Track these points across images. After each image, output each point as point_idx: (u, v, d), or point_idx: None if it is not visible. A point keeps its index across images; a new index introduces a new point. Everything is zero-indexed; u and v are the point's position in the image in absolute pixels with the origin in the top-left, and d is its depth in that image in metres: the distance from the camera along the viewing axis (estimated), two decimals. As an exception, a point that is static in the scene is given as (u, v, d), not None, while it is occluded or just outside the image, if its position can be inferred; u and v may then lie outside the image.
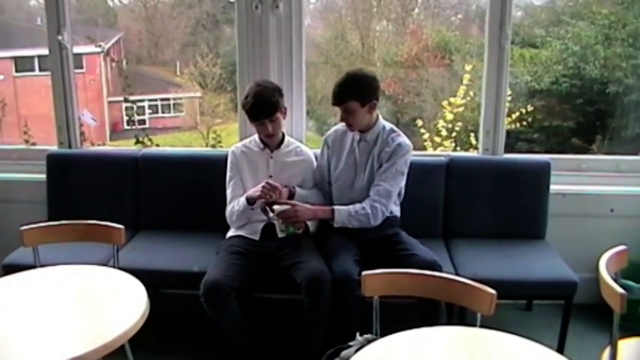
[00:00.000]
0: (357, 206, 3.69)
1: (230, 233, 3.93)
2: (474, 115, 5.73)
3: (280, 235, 3.67)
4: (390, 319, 2.71)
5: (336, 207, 3.70)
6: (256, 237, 3.81)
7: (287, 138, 4.02)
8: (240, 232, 3.87)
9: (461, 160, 4.51)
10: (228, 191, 3.95)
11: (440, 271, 3.39)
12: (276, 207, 3.58)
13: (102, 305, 2.65)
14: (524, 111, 6.13)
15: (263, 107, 3.77)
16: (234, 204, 3.87)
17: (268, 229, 3.79)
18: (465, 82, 6.02)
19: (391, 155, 3.76)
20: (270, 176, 3.88)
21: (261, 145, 3.96)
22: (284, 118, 3.91)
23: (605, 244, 2.95)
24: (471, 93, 6.01)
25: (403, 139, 3.83)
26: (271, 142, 3.93)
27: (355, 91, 3.65)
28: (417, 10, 7.27)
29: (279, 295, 4.19)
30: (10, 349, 2.28)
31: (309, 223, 3.85)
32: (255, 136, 3.99)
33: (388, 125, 3.88)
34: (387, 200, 3.72)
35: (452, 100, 6.08)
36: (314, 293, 3.48)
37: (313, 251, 3.72)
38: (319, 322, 3.54)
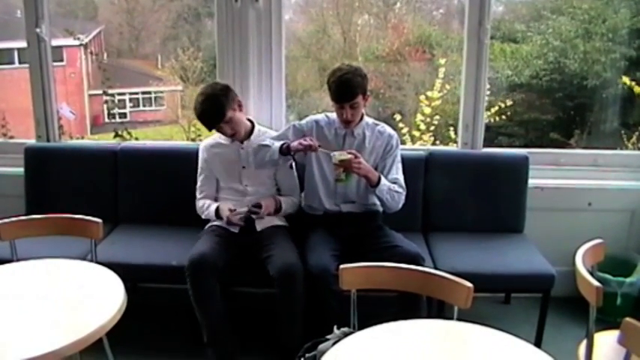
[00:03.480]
0: (395, 185, 3.78)
1: (211, 223, 3.97)
2: (454, 109, 5.74)
3: (338, 182, 3.70)
4: (369, 313, 2.71)
5: (382, 176, 3.73)
6: (235, 230, 3.84)
7: (257, 127, 4.05)
8: (220, 223, 3.91)
9: (440, 154, 4.54)
10: (198, 185, 4.07)
11: (423, 263, 3.44)
12: (335, 153, 3.59)
13: (79, 299, 2.64)
14: (502, 105, 6.14)
15: (211, 115, 3.80)
16: (205, 205, 3.99)
17: (247, 222, 3.82)
18: (440, 75, 6.03)
19: (386, 148, 3.87)
20: (244, 167, 3.94)
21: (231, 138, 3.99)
22: (241, 110, 3.93)
23: (583, 238, 2.98)
24: (447, 86, 6.03)
25: (389, 129, 3.95)
26: (237, 139, 3.96)
27: (361, 85, 3.68)
28: (398, 4, 7.26)
29: (259, 289, 4.19)
30: (-15, 344, 2.26)
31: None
32: None
33: (369, 119, 3.92)
34: (405, 190, 3.83)
35: (429, 94, 6.09)
36: (286, 286, 3.51)
37: (288, 244, 3.75)
38: (293, 315, 3.57)
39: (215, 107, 3.77)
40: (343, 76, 3.64)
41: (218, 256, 3.60)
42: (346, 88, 3.64)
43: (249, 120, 4.06)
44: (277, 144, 3.71)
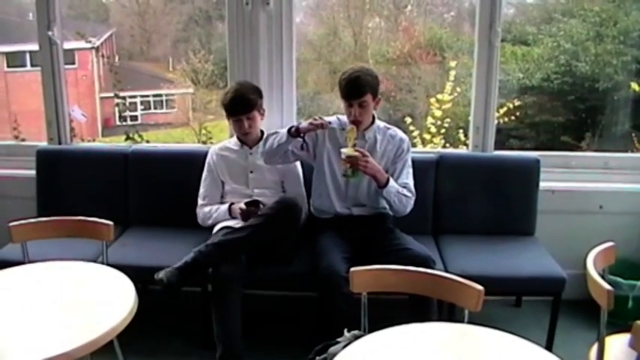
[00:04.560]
0: (405, 189, 3.78)
1: (217, 228, 3.97)
2: (465, 111, 5.74)
3: (345, 177, 3.73)
4: (380, 316, 2.71)
5: (391, 178, 3.73)
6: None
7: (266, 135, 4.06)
8: (227, 224, 3.92)
9: (451, 156, 4.54)
10: (201, 190, 4.11)
11: (433, 266, 3.44)
12: (344, 150, 3.60)
13: (90, 301, 2.65)
14: (511, 105, 6.13)
15: (240, 103, 3.91)
16: (213, 209, 4.03)
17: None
18: (451, 78, 6.04)
19: (397, 152, 3.88)
20: (251, 171, 4.02)
21: (240, 144, 4.06)
22: (262, 118, 4.04)
23: (594, 241, 2.97)
24: (458, 89, 6.03)
25: (401, 133, 3.96)
26: (248, 139, 4.03)
27: (371, 84, 3.70)
28: (409, 7, 7.26)
29: (270, 292, 4.21)
30: (-3, 345, 2.27)
31: None
32: (235, 137, 4.10)
33: (381, 123, 3.92)
34: (414, 195, 3.82)
35: (439, 96, 6.09)
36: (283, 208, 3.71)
37: None
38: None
39: (247, 97, 3.92)
40: (353, 74, 3.68)
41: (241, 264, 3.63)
42: (355, 85, 3.66)
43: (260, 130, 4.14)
44: (285, 129, 3.74)
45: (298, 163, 4.09)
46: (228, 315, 3.56)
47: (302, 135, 3.72)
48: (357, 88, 3.67)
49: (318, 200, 3.99)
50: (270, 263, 3.77)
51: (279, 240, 3.75)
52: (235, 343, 3.58)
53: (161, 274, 3.47)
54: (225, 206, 3.99)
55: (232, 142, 4.12)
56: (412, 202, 3.81)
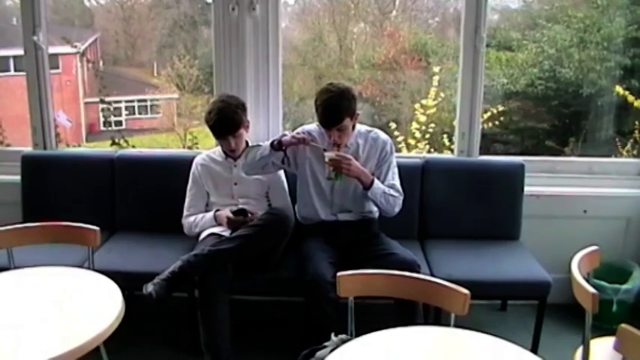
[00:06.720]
0: (392, 190, 3.79)
1: (204, 235, 3.95)
2: (450, 117, 5.76)
3: (329, 180, 3.74)
4: (367, 320, 2.72)
5: (376, 179, 3.73)
6: (227, 233, 3.85)
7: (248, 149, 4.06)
8: (214, 231, 3.92)
9: (436, 161, 4.55)
10: (187, 200, 4.10)
11: (419, 271, 3.44)
12: (327, 153, 3.62)
13: (77, 307, 2.64)
14: (495, 111, 6.14)
15: (226, 125, 3.88)
16: (198, 217, 4.02)
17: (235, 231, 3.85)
18: (435, 83, 6.05)
19: (381, 155, 3.88)
20: (235, 184, 4.00)
21: (224, 155, 4.07)
22: (247, 132, 4.01)
23: (578, 245, 2.99)
24: (442, 94, 6.04)
25: (383, 135, 3.95)
26: (234, 154, 4.01)
27: (348, 108, 3.65)
28: (394, 12, 7.26)
29: (258, 297, 4.21)
30: (-17, 351, 2.26)
31: None
32: (220, 147, 4.09)
33: (362, 127, 3.92)
34: (402, 195, 3.83)
35: (423, 102, 6.11)
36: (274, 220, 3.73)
37: None
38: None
39: (232, 118, 3.88)
40: (329, 100, 3.62)
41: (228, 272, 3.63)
42: (332, 113, 3.63)
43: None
44: (267, 142, 3.73)
45: (282, 174, 4.09)
46: (215, 323, 3.55)
47: (284, 149, 3.72)
48: (334, 116, 3.63)
49: (303, 209, 3.99)
50: (257, 272, 3.77)
51: (268, 251, 3.74)
52: (224, 352, 3.57)
53: (150, 288, 3.44)
54: (210, 214, 3.98)
55: (217, 153, 4.11)
56: (400, 201, 3.82)
